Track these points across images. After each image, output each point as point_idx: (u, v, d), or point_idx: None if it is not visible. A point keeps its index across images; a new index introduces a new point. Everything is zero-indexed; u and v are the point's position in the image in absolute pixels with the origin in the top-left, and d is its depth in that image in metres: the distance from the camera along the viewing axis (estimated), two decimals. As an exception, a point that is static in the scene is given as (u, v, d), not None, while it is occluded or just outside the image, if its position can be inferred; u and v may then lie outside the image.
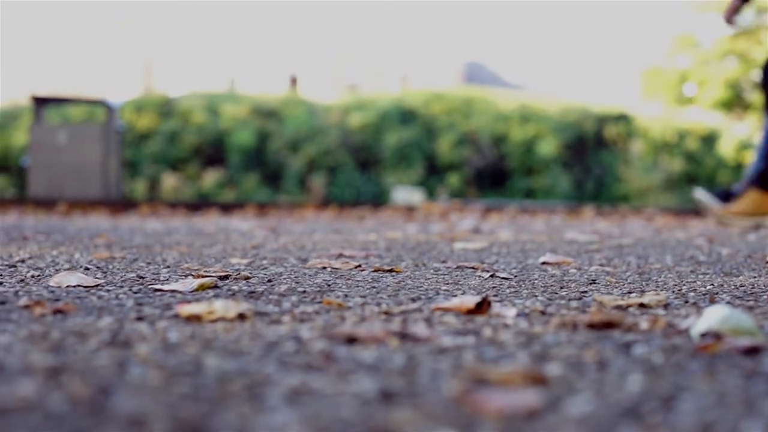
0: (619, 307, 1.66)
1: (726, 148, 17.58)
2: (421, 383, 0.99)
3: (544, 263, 2.67)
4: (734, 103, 22.98)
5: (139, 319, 1.44)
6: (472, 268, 2.46)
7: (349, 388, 0.95)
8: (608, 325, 1.39)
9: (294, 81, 33.37)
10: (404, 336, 1.28)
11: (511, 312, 1.55)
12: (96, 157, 9.68)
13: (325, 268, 2.39)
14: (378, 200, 15.13)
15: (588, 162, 16.93)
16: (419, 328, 1.33)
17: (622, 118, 17.37)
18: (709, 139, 17.86)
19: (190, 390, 0.94)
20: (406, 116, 16.48)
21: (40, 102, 10.11)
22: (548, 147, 16.41)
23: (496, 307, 1.60)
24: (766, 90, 5.66)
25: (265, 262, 2.59)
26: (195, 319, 1.42)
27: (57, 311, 1.49)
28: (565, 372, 1.07)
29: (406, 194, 14.45)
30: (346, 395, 0.92)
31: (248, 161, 15.86)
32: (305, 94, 19.74)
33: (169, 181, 15.46)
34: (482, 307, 1.55)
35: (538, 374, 1.00)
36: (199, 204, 8.81)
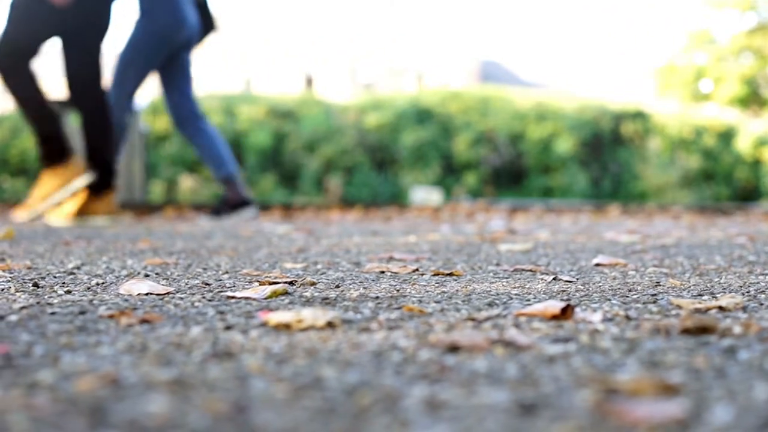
0: (698, 311, 1.65)
1: (743, 145, 17.53)
2: (549, 393, 0.98)
3: (598, 265, 2.66)
4: (750, 99, 22.92)
5: (228, 328, 1.43)
6: (530, 271, 2.45)
7: (481, 400, 0.94)
8: (703, 330, 1.38)
9: (310, 81, 33.34)
10: (506, 344, 1.27)
11: (596, 317, 1.54)
12: (120, 160, 9.67)
13: (383, 272, 2.39)
14: (395, 200, 15.12)
15: (605, 159, 16.89)
16: (517, 336, 1.32)
17: (639, 115, 17.33)
18: (726, 136, 17.82)
19: (323, 404, 0.93)
20: (422, 116, 16.47)
21: (64, 105, 10.10)
22: (565, 145, 16.38)
23: (578, 312, 1.59)
24: None
25: (319, 266, 2.58)
26: (284, 327, 1.42)
27: (143, 321, 1.48)
28: (685, 380, 1.06)
29: (424, 194, 14.43)
30: (483, 407, 0.91)
31: (265, 162, 15.87)
32: (321, 94, 19.73)
33: (187, 183, 15.48)
34: (567, 312, 1.54)
35: (668, 383, 0.99)
36: (223, 206, 8.78)
